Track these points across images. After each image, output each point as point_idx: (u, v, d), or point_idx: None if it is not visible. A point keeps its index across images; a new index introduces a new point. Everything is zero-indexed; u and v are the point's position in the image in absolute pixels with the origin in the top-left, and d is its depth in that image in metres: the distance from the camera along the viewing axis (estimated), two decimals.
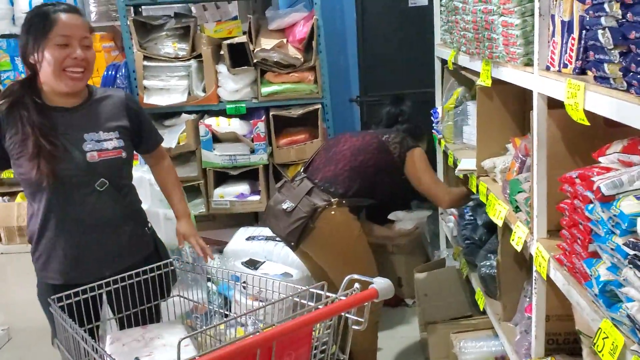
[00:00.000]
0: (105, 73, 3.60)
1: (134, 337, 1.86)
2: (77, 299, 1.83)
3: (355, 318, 1.58)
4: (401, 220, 3.11)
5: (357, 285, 1.61)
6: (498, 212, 2.13)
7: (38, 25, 1.91)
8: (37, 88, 1.97)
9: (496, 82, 2.16)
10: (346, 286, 1.61)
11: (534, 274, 1.83)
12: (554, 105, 1.65)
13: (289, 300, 1.73)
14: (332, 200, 2.62)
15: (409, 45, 4.19)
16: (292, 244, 2.64)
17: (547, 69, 1.64)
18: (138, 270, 1.97)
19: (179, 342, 1.31)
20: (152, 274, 2.00)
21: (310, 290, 1.68)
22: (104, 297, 2.00)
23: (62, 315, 1.71)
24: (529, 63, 1.81)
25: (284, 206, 2.64)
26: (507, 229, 2.13)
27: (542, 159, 1.74)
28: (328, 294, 1.66)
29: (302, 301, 1.69)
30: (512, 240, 1.96)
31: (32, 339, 2.01)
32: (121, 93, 2.18)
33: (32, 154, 1.89)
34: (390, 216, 3.46)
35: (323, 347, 1.60)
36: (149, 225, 2.23)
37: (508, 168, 2.20)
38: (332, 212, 2.61)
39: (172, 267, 2.11)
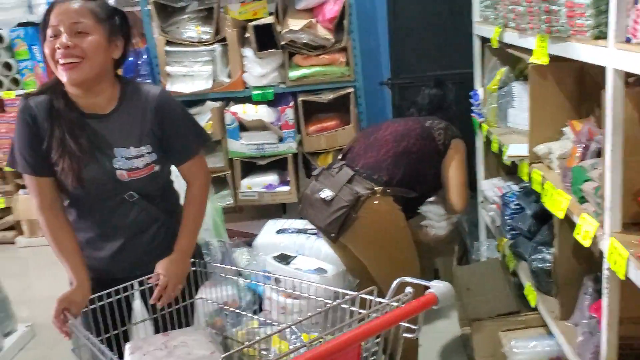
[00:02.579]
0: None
1: (156, 346, 1.72)
2: (109, 300, 1.78)
3: (408, 325, 1.41)
4: (435, 222, 2.95)
5: (409, 289, 1.46)
6: (558, 202, 1.94)
7: (43, 19, 1.77)
8: (62, 90, 1.81)
9: (550, 59, 1.97)
10: (396, 290, 1.47)
11: (606, 272, 1.64)
12: (633, 83, 1.46)
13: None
14: (376, 188, 2.45)
15: (443, 24, 3.99)
16: (333, 235, 2.47)
17: (628, 41, 1.43)
18: None
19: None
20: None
21: (361, 296, 1.53)
22: (137, 296, 1.91)
23: (77, 325, 1.65)
24: (600, 36, 1.61)
25: (323, 195, 2.47)
26: (566, 220, 1.94)
27: (617, 144, 1.54)
28: (378, 299, 1.51)
29: (351, 308, 1.54)
30: (578, 234, 1.77)
31: (57, 336, 1.90)
32: (155, 91, 1.88)
33: (57, 152, 1.77)
34: (422, 209, 3.30)
35: (373, 358, 1.46)
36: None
37: (568, 154, 2.01)
38: (376, 202, 2.44)
39: (204, 268, 1.98)
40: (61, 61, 1.71)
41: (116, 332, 1.84)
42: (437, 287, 1.41)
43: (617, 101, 1.52)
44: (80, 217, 1.92)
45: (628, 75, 1.49)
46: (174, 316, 1.92)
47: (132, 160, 1.82)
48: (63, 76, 1.73)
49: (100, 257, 1.93)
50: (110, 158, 1.82)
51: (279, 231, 3.16)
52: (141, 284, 1.85)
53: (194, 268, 1.95)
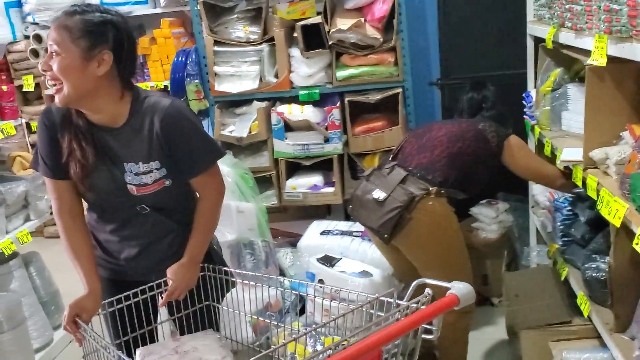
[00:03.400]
0: (175, 59, 3.52)
1: (167, 351, 1.72)
2: (127, 302, 1.82)
3: (427, 327, 1.43)
4: (486, 225, 2.89)
5: (428, 290, 1.46)
6: (614, 210, 1.85)
7: None
8: None
9: (610, 60, 1.88)
10: (415, 292, 1.49)
11: None
12: None
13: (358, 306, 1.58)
14: (431, 189, 2.42)
15: (494, 24, 3.91)
16: (386, 236, 2.44)
17: None
18: None
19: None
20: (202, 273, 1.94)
21: (380, 299, 1.54)
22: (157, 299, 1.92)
23: (89, 331, 1.66)
24: None
25: (375, 195, 2.44)
26: (623, 229, 1.86)
27: None
28: (399, 301, 1.51)
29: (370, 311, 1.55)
30: (637, 244, 1.69)
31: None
32: (165, 103, 1.80)
33: (66, 156, 1.80)
34: (473, 210, 3.23)
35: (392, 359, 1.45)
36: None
37: (627, 160, 1.92)
38: (430, 203, 2.41)
39: (221, 274, 1.97)
40: (49, 84, 1.74)
41: (134, 334, 1.87)
42: (458, 287, 1.41)
43: None
44: (98, 220, 1.95)
45: None
46: (190, 320, 1.94)
47: (140, 176, 1.81)
48: (55, 99, 1.74)
49: (116, 261, 1.96)
50: (121, 171, 1.81)
51: (323, 232, 3.15)
52: (151, 289, 1.86)
53: (203, 273, 1.95)
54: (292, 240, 3.42)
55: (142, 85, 3.97)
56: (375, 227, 2.47)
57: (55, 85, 1.70)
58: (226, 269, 1.99)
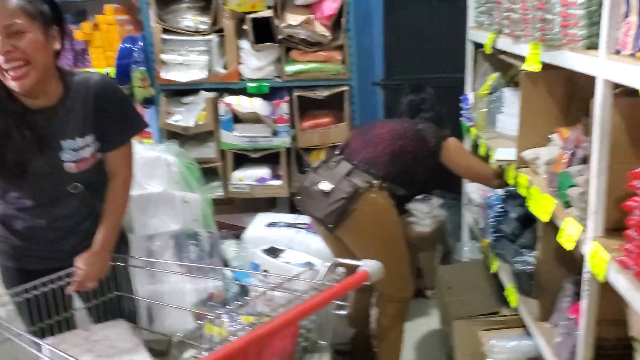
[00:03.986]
0: (122, 45, 3.46)
1: (78, 341, 1.74)
2: (35, 292, 1.81)
3: (339, 303, 1.52)
4: (420, 219, 3.01)
5: (341, 269, 1.56)
6: (543, 206, 2.00)
7: None
8: (6, 86, 1.78)
9: (542, 67, 2.02)
10: (329, 271, 1.57)
11: (587, 275, 1.70)
12: (619, 93, 1.51)
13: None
14: (374, 182, 2.52)
15: (437, 28, 4.02)
16: (330, 225, 2.53)
17: (617, 52, 1.49)
18: None
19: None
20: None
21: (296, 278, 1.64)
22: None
23: None
24: (592, 46, 1.66)
25: (322, 187, 2.53)
26: (549, 224, 2.00)
27: (603, 152, 1.60)
28: (314, 281, 1.59)
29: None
30: (561, 237, 1.83)
31: None
32: (96, 77, 1.88)
33: (2, 144, 1.77)
34: (408, 206, 3.33)
35: (308, 335, 1.58)
36: None
37: (555, 160, 2.07)
38: (373, 195, 2.51)
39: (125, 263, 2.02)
40: (11, 72, 1.68)
41: (49, 322, 1.86)
42: (368, 265, 1.52)
43: (605, 110, 1.58)
44: (23, 207, 1.91)
45: (616, 85, 1.54)
46: (104, 310, 1.96)
47: (79, 151, 1.84)
48: (14, 86, 1.70)
49: (37, 247, 1.95)
50: (56, 151, 1.82)
51: (269, 225, 3.19)
52: (61, 278, 1.85)
53: (113, 263, 1.96)
54: (237, 233, 3.43)
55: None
56: (320, 217, 2.55)
57: (20, 67, 1.67)
58: (138, 258, 2.05)
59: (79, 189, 1.90)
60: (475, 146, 3.07)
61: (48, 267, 1.88)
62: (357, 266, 1.53)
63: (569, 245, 1.79)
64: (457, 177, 3.02)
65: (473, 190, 3.30)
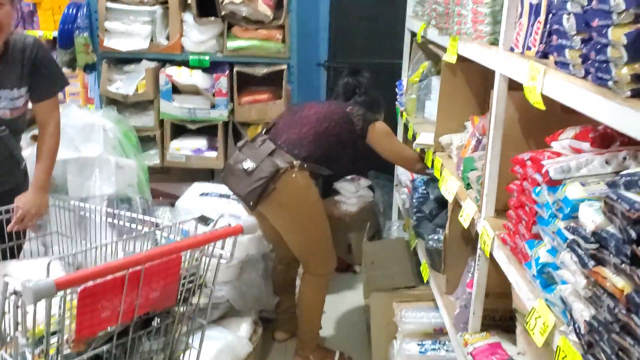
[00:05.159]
0: (66, 11, 3.46)
1: (9, 269, 1.94)
2: None
3: (220, 251, 1.71)
4: (347, 199, 3.14)
5: (224, 223, 1.72)
6: (450, 187, 2.16)
7: None
8: None
9: (462, 59, 2.16)
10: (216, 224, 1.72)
11: (478, 251, 1.87)
12: (515, 87, 1.66)
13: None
14: (295, 162, 2.61)
15: (383, 14, 4.15)
16: (251, 203, 2.62)
17: (512, 50, 1.64)
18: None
19: (48, 264, 1.40)
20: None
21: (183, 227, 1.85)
22: None
23: None
24: (494, 42, 1.81)
25: (245, 166, 2.61)
26: (457, 205, 2.16)
27: (497, 139, 1.76)
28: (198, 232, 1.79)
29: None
30: (461, 216, 2.00)
31: None
32: (30, 40, 2.21)
33: None
34: (336, 185, 3.44)
35: (191, 278, 1.70)
36: (24, 164, 2.39)
37: (464, 145, 2.22)
38: (294, 175, 2.60)
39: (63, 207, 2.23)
40: None
41: None
42: (245, 220, 1.70)
43: (500, 102, 1.73)
44: None
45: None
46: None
47: (14, 101, 2.15)
48: None
49: None
50: None
51: (202, 194, 3.25)
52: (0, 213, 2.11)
53: (52, 204, 2.21)
54: (173, 201, 3.48)
55: (32, 33, 3.85)
56: (242, 195, 2.65)
57: None
58: (75, 202, 2.22)
59: (4, 133, 2.19)
60: (405, 130, 3.22)
61: None
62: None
63: (465, 224, 1.95)
64: None
65: (402, 172, 3.45)
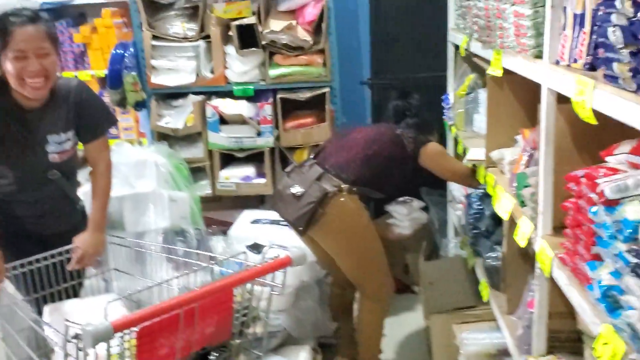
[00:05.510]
0: (114, 52, 3.57)
1: (72, 308, 1.99)
2: (45, 262, 2.14)
3: (272, 284, 1.72)
4: (400, 221, 3.10)
5: (273, 254, 1.75)
6: (504, 205, 2.09)
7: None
8: (7, 89, 2.09)
9: (507, 71, 2.11)
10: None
11: (537, 270, 1.79)
12: (564, 99, 1.60)
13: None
14: (343, 186, 2.59)
15: (423, 28, 4.09)
16: (300, 229, 2.62)
17: (557, 62, 1.58)
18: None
19: (106, 306, 1.45)
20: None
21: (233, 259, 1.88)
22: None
23: (3, 289, 1.95)
24: (539, 55, 1.75)
25: (293, 190, 2.61)
26: (512, 222, 2.09)
27: (549, 155, 1.70)
28: (249, 262, 1.80)
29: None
30: (516, 235, 1.93)
31: None
32: (73, 83, 2.26)
33: (5, 145, 2.09)
34: (388, 208, 3.39)
35: (245, 312, 1.72)
36: (80, 203, 2.45)
37: (516, 160, 2.15)
38: (342, 199, 2.58)
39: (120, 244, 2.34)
40: (32, 83, 2.02)
41: (51, 291, 2.17)
42: (293, 251, 1.67)
43: (549, 116, 1.67)
44: (4, 193, 2.20)
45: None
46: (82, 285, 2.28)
47: (62, 144, 2.20)
48: (30, 94, 2.05)
49: (19, 220, 2.25)
50: (44, 144, 2.15)
51: (254, 221, 3.27)
52: (60, 254, 2.17)
53: (110, 242, 2.28)
54: (225, 229, 3.53)
55: (83, 73, 4.00)
56: (291, 220, 2.65)
57: (41, 82, 2.04)
58: (129, 239, 2.33)
59: (56, 176, 2.23)
60: (455, 144, 3.16)
61: (39, 234, 2.27)
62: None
63: (522, 243, 1.88)
64: None
65: (456, 188, 3.38)
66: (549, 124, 1.67)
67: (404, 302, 3.66)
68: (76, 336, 1.44)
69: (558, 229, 1.72)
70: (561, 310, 1.84)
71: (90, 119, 2.28)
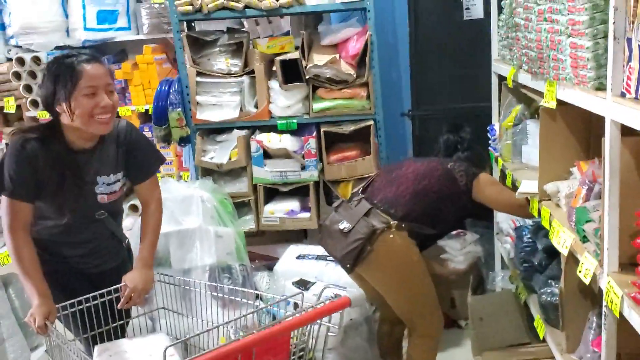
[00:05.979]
0: (159, 88, 3.64)
1: (121, 348, 1.99)
2: (76, 308, 2.13)
3: (329, 324, 1.71)
4: (453, 256, 3.05)
5: (329, 294, 1.73)
6: (563, 240, 2.03)
7: (65, 77, 2.04)
8: (60, 132, 2.12)
9: (560, 102, 2.07)
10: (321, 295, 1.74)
11: (604, 309, 1.72)
12: (628, 131, 1.56)
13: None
14: (392, 222, 2.55)
15: (463, 59, 4.10)
16: (348, 266, 2.58)
17: (622, 95, 1.54)
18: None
19: (165, 350, 1.46)
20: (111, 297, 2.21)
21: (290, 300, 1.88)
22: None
23: (54, 330, 1.97)
24: (600, 87, 1.71)
25: (341, 226, 2.59)
26: (571, 257, 2.03)
27: (614, 189, 1.64)
28: (306, 302, 1.78)
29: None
30: (579, 272, 1.86)
31: None
32: (123, 125, 2.29)
33: (54, 183, 2.10)
34: (440, 243, 3.34)
35: (301, 353, 1.70)
36: (126, 241, 2.47)
37: (574, 194, 2.09)
38: (391, 236, 2.54)
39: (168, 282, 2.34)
40: (101, 119, 2.06)
41: (98, 331, 2.18)
42: (351, 292, 1.66)
43: (614, 149, 1.62)
44: (52, 234, 2.22)
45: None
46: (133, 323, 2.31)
47: (111, 185, 2.21)
48: (97, 129, 2.09)
49: (66, 260, 2.27)
50: (93, 185, 2.17)
51: (299, 257, 3.26)
52: (109, 293, 2.19)
53: (158, 280, 2.28)
54: (270, 264, 3.52)
55: (124, 108, 4.08)
56: (339, 257, 2.61)
57: (109, 118, 2.10)
58: (177, 277, 2.33)
59: (104, 215, 2.26)
60: (503, 176, 3.10)
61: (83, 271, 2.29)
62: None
63: (586, 280, 1.82)
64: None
65: (503, 220, 3.31)
66: (613, 157, 1.62)
67: (450, 337, 3.57)
68: None
69: (624, 265, 1.66)
70: (632, 351, 1.76)
71: (140, 160, 2.30)
